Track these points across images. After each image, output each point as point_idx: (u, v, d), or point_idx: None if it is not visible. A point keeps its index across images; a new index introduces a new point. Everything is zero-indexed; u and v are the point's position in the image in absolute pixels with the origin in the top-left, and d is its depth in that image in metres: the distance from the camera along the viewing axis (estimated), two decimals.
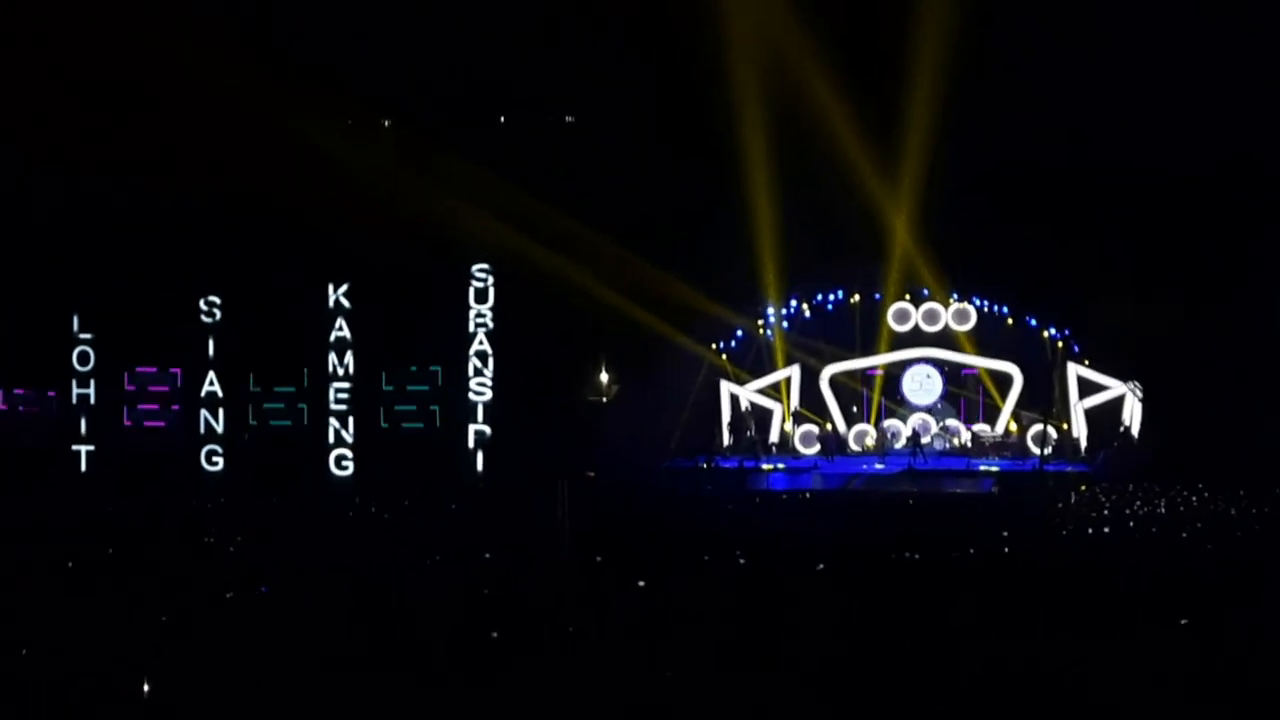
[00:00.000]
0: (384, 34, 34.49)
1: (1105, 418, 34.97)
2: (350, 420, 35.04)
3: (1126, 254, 33.23)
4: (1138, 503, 26.60)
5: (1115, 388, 34.85)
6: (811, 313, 36.64)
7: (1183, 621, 13.33)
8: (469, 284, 34.66)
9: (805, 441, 36.05)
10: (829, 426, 36.14)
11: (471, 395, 34.62)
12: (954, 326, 35.93)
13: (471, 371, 34.60)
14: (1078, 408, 35.10)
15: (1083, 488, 30.22)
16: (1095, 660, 12.04)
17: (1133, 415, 34.64)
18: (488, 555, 18.16)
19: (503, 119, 35.89)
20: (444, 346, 34.76)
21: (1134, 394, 34.55)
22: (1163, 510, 25.54)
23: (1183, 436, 32.02)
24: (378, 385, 35.07)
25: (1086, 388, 35.16)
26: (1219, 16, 32.57)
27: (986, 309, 35.79)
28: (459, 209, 33.04)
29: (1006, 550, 19.55)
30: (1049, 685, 11.21)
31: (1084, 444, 34.98)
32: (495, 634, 12.58)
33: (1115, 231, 33.26)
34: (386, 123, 35.71)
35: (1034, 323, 35.48)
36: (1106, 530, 22.20)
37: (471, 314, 34.63)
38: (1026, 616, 14.16)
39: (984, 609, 14.60)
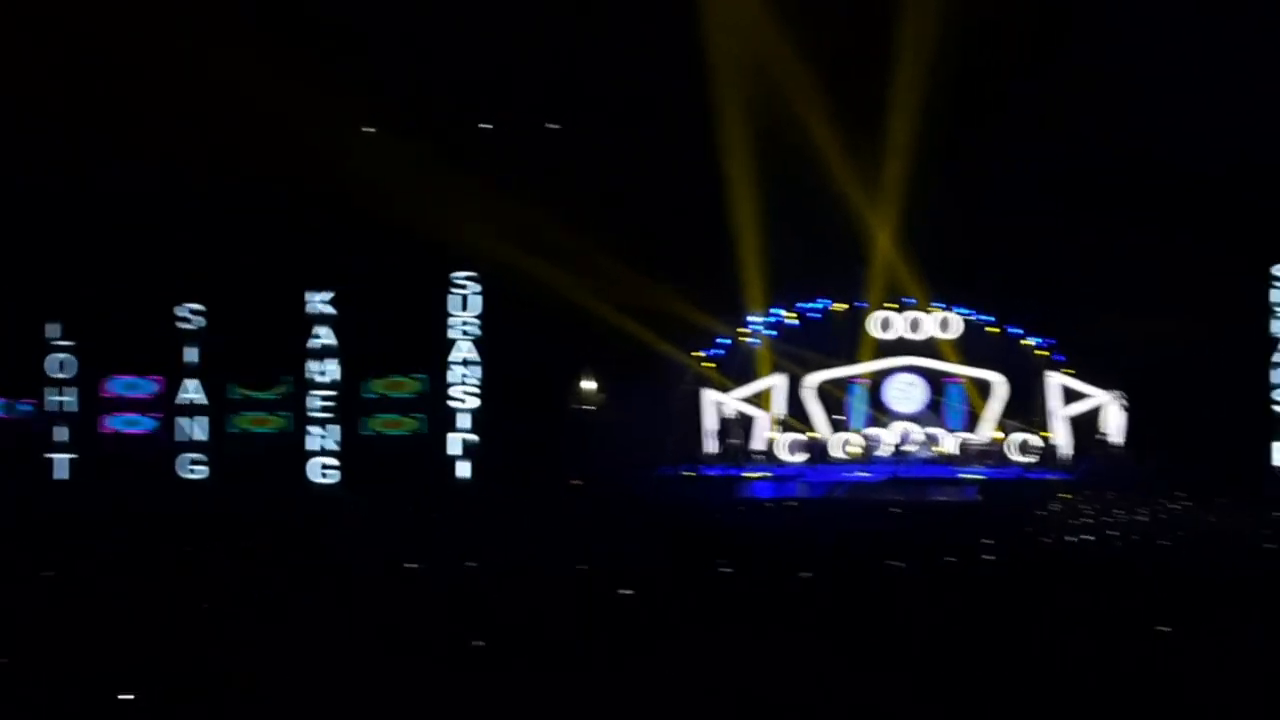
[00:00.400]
0: (370, 37, 34.93)
1: (1088, 427, 35.73)
2: (333, 428, 35.53)
3: (1112, 262, 33.92)
4: (1120, 510, 27.38)
5: (1098, 396, 35.62)
6: (796, 321, 37.27)
7: (1163, 628, 14.02)
8: (455, 291, 35.27)
9: (790, 450, 36.72)
10: (813, 435, 36.81)
11: (457, 403, 35.23)
12: (938, 334, 36.61)
13: (457, 379, 35.20)
14: (1061, 416, 35.86)
15: (1065, 495, 31.01)
16: (1084, 661, 12.71)
17: (1115, 424, 35.39)
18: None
19: (488, 126, 36.41)
20: (430, 354, 35.33)
21: (1117, 403, 35.32)
22: (1145, 518, 26.33)
23: (1165, 446, 32.79)
24: (363, 392, 35.59)
25: (1070, 396, 35.92)
26: (1221, 17, 33.26)
27: (971, 317, 36.44)
28: (444, 216, 33.59)
29: (991, 557, 20.22)
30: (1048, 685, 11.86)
31: (1067, 452, 35.73)
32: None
33: (1101, 239, 33.95)
34: (371, 128, 36.17)
35: (1018, 331, 36.16)
36: (1089, 537, 22.94)
37: (458, 321, 35.23)
38: (1013, 619, 14.86)
39: (976, 612, 15.27)
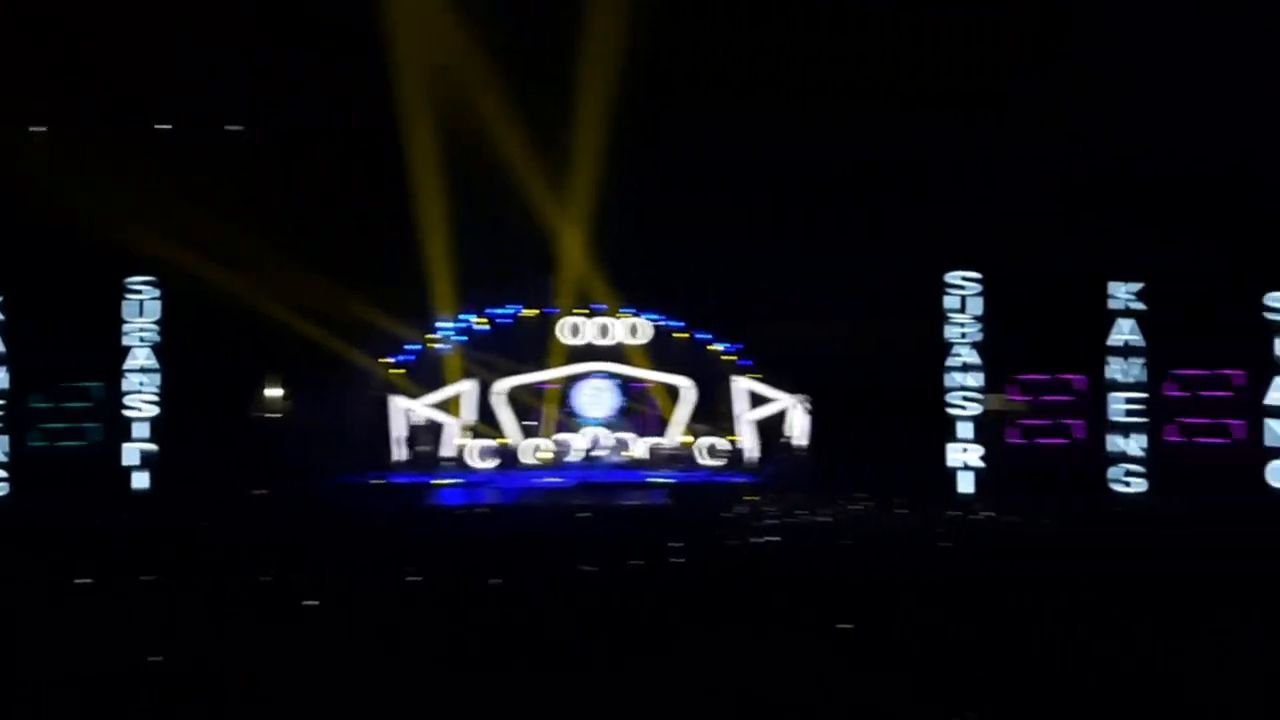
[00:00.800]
0: (46, 29, 33.62)
1: (774, 430, 36.71)
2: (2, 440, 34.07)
3: (798, 268, 34.87)
4: (804, 511, 28.21)
5: (783, 400, 36.59)
6: (486, 327, 37.27)
7: (842, 625, 14.48)
8: (131, 296, 34.21)
9: (480, 456, 36.71)
10: (504, 441, 36.88)
11: (134, 412, 34.17)
12: (628, 340, 37.07)
13: (134, 387, 34.14)
14: (748, 420, 36.72)
15: (752, 498, 31.78)
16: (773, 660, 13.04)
17: (800, 427, 36.41)
18: None
19: (166, 126, 35.44)
20: (105, 361, 34.16)
21: (802, 407, 36.33)
22: (828, 519, 27.20)
23: (849, 448, 33.83)
24: (33, 402, 34.21)
25: (756, 400, 36.81)
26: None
27: (660, 322, 37.00)
28: (120, 218, 32.59)
29: (681, 560, 20.58)
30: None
31: (754, 455, 36.61)
32: None
33: (789, 244, 34.87)
34: (41, 126, 34.87)
35: (706, 336, 36.87)
36: (774, 538, 23.55)
37: (134, 327, 34.17)
38: (703, 619, 15.16)
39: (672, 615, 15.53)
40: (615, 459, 37.20)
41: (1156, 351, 34.17)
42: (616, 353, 37.38)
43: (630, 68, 33.33)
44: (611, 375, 37.57)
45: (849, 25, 34.91)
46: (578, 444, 37.24)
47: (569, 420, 37.72)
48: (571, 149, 34.73)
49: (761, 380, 37.03)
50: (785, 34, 34.97)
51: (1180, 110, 35.20)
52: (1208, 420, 34.21)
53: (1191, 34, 34.36)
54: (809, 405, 36.58)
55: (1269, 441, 33.95)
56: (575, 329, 37.28)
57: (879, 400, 33.79)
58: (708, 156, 35.90)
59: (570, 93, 34.11)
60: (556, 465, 36.88)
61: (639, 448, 37.34)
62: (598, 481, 35.04)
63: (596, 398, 37.64)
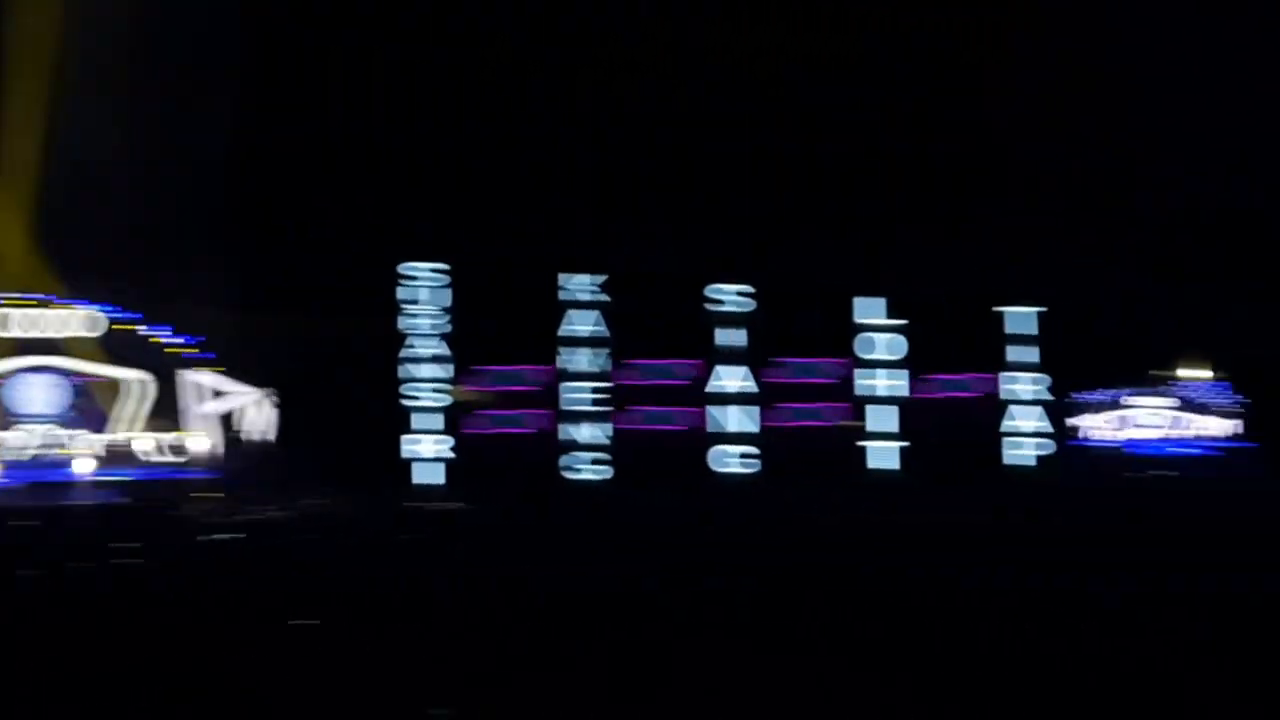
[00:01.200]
0: None
1: (240, 424, 36.12)
2: None
3: (262, 260, 34.47)
4: (267, 506, 27.94)
5: (248, 394, 36.01)
6: None
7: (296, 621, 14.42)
8: None
9: None
10: None
11: None
12: (77, 333, 35.62)
13: None
14: (210, 414, 35.96)
15: (214, 494, 31.26)
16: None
17: (265, 421, 35.98)
18: None
19: None
20: None
21: (268, 400, 35.88)
22: (290, 513, 27.02)
23: (315, 441, 33.69)
24: None
25: (219, 394, 36.10)
26: None
27: (115, 315, 35.70)
28: None
29: (134, 560, 20.06)
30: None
31: (218, 450, 35.90)
32: None
33: (252, 237, 34.45)
34: None
35: (163, 329, 35.86)
36: (231, 535, 23.21)
37: None
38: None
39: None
40: (66, 457, 35.62)
41: (619, 342, 35.56)
42: (62, 346, 35.82)
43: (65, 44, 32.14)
44: (57, 370, 35.94)
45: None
46: (21, 442, 35.47)
47: (12, 417, 35.87)
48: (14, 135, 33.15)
49: (224, 374, 36.30)
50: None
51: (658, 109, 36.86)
52: (661, 408, 35.87)
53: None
54: (275, 399, 36.12)
55: (711, 428, 35.95)
56: (16, 321, 35.46)
57: (345, 392, 33.80)
58: (152, 144, 34.85)
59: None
60: None
61: (94, 444, 35.90)
62: (43, 481, 33.46)
63: (42, 393, 35.96)
